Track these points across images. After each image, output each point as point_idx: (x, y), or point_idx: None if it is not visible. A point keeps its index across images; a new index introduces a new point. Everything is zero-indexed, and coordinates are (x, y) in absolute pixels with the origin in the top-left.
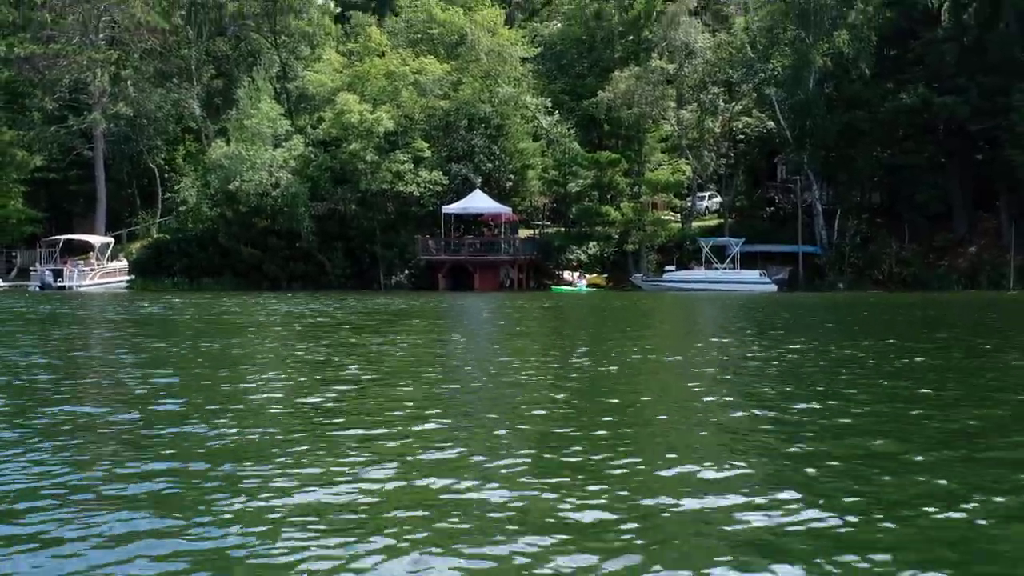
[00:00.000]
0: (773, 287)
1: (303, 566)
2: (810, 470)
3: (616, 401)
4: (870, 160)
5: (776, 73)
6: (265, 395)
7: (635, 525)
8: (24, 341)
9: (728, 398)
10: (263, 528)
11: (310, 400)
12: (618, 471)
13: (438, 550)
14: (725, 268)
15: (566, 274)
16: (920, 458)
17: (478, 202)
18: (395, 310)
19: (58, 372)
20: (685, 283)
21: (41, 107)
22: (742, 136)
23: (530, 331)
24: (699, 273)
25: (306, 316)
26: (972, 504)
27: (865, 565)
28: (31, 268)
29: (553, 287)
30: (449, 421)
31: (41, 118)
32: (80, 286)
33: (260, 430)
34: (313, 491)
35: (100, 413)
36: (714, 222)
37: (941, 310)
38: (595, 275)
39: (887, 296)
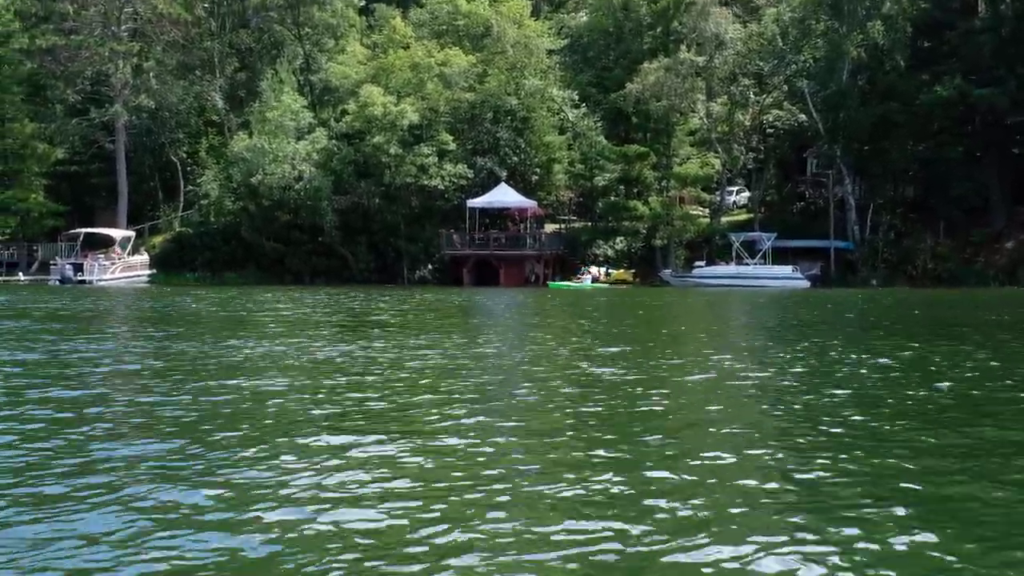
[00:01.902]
0: (806, 283)
1: None
2: None
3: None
4: (904, 153)
5: (808, 65)
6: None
7: None
8: (86, 346)
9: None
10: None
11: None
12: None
13: None
14: (756, 264)
15: (593, 269)
16: None
17: (503, 196)
18: (440, 307)
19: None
20: (715, 279)
21: (63, 99)
22: (771, 129)
23: (605, 332)
24: (730, 268)
25: (359, 313)
26: None
27: None
28: (52, 262)
29: (551, 283)
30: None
31: (63, 111)
32: (101, 280)
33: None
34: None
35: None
36: (743, 217)
37: (1006, 308)
38: (622, 270)
39: (932, 293)
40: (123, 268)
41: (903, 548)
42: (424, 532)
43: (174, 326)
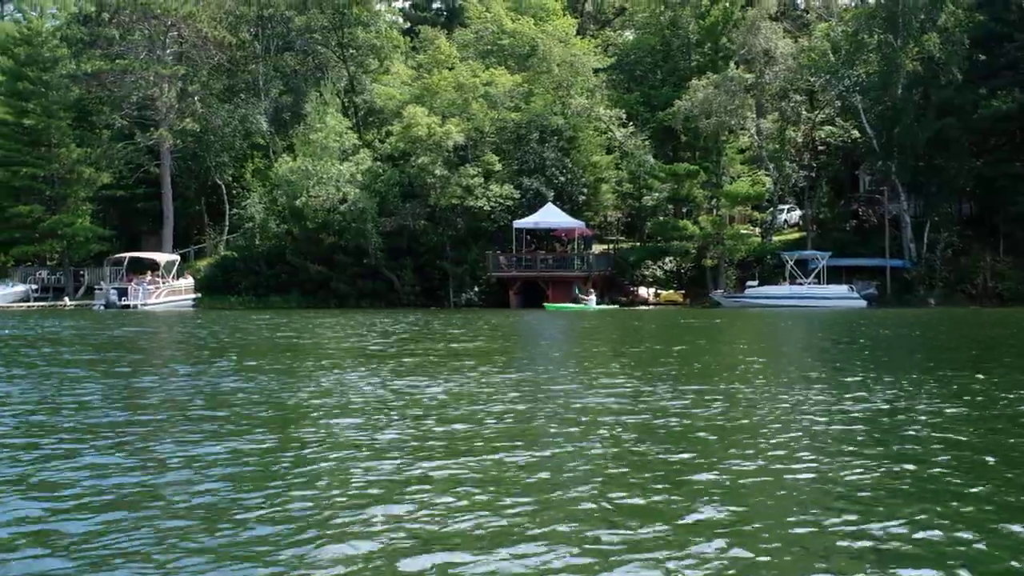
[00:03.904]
0: (862, 303)
1: None
2: None
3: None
4: (961, 169)
5: (861, 80)
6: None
7: None
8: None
9: None
10: None
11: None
12: None
13: None
14: (811, 283)
15: (643, 291)
16: None
17: (550, 216)
18: (509, 332)
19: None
20: (768, 299)
21: (109, 124)
22: (823, 146)
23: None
24: (784, 288)
25: (431, 338)
26: None
27: None
28: (96, 287)
29: (547, 304)
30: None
31: (109, 135)
32: (145, 304)
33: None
34: None
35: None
36: (794, 236)
37: None
38: (672, 291)
39: (1006, 312)
40: (168, 292)
41: None
42: None
43: (253, 356)
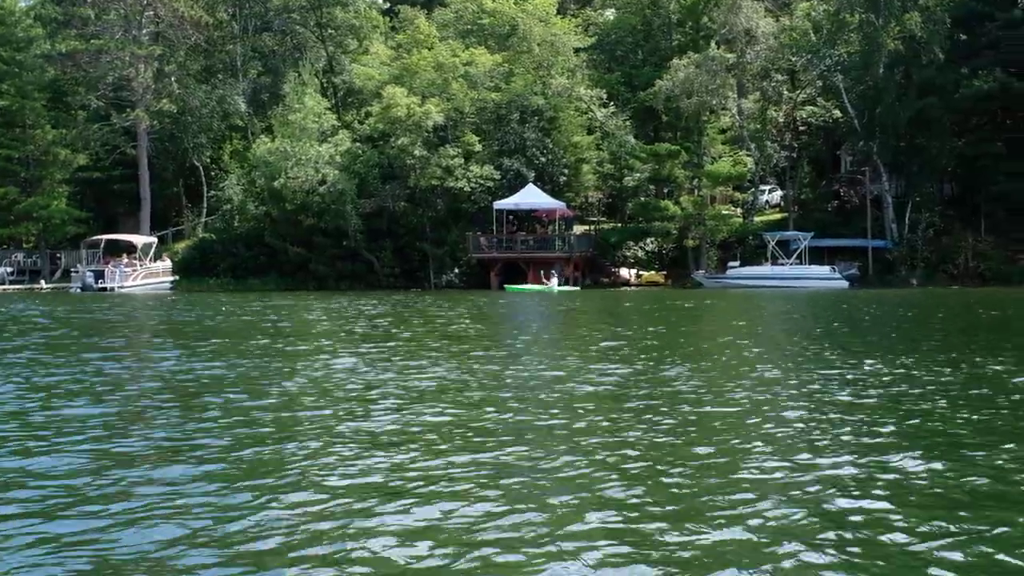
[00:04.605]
0: (844, 283)
1: None
2: None
3: None
4: (943, 149)
5: (843, 59)
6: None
7: None
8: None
9: None
10: None
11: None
12: None
13: None
14: (793, 264)
15: (625, 271)
16: None
17: (531, 197)
18: (501, 314)
19: None
20: (750, 280)
21: (84, 105)
22: (805, 126)
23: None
24: (765, 269)
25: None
26: None
27: None
28: (73, 269)
29: (507, 286)
30: None
31: (85, 116)
32: (122, 287)
33: None
34: None
35: None
36: (776, 216)
37: None
38: (653, 272)
39: (998, 292)
40: (145, 275)
41: None
42: None
43: (234, 340)
